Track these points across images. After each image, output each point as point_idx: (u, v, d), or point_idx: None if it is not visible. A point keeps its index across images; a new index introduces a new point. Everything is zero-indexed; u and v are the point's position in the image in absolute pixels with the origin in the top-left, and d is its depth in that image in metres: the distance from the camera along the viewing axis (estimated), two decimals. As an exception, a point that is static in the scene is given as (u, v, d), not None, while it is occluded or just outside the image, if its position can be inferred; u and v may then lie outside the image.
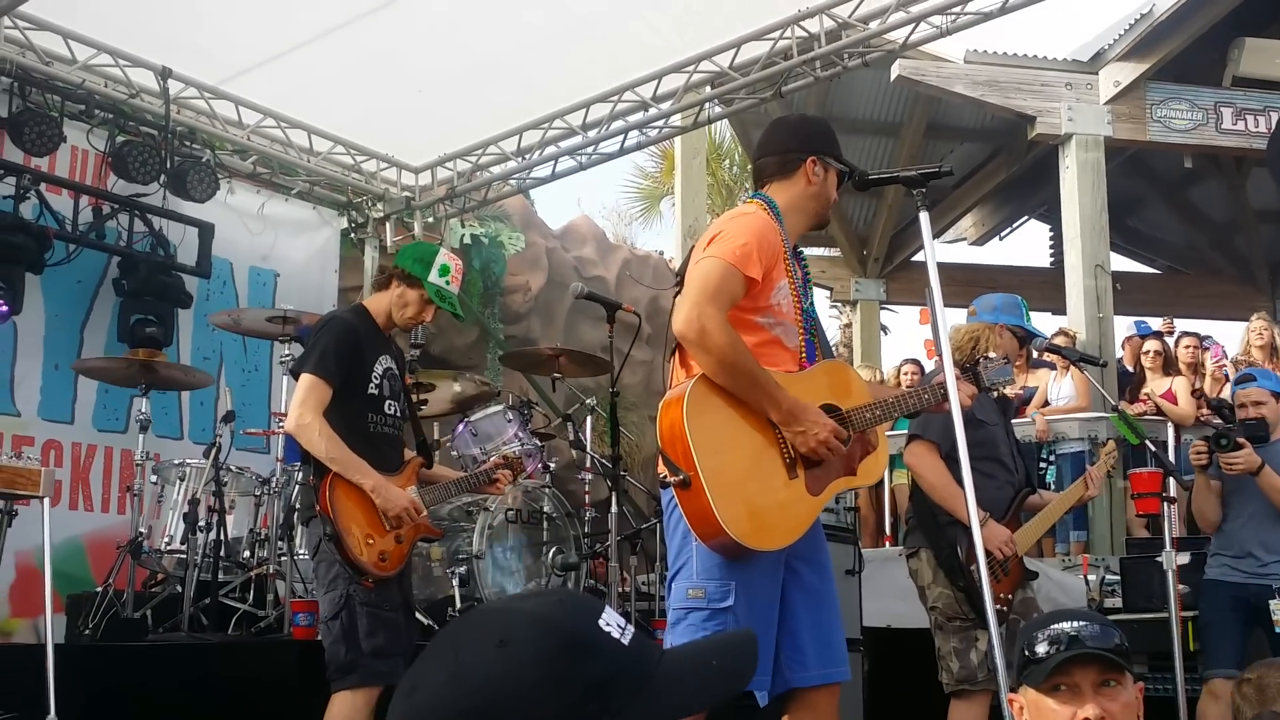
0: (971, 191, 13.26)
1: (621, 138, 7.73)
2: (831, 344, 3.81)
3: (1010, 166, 12.57)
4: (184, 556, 5.43)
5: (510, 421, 6.07)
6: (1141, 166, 13.32)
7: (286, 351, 5.77)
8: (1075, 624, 2.22)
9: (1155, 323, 10.07)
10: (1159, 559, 4.84)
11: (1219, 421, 5.08)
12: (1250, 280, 14.37)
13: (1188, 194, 14.10)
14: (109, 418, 6.97)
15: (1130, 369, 9.23)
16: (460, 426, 6.14)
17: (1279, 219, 14.18)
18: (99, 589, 5.62)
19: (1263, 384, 5.11)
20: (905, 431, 4.65)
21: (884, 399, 3.30)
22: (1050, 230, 14.31)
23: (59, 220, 6.64)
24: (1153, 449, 4.87)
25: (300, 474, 4.33)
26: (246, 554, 5.72)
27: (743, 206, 3.32)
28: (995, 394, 3.72)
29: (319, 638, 4.10)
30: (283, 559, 5.24)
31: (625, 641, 1.09)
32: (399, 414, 4.27)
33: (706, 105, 7.66)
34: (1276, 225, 14.31)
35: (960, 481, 3.17)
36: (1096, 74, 10.05)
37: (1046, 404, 8.44)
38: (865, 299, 13.81)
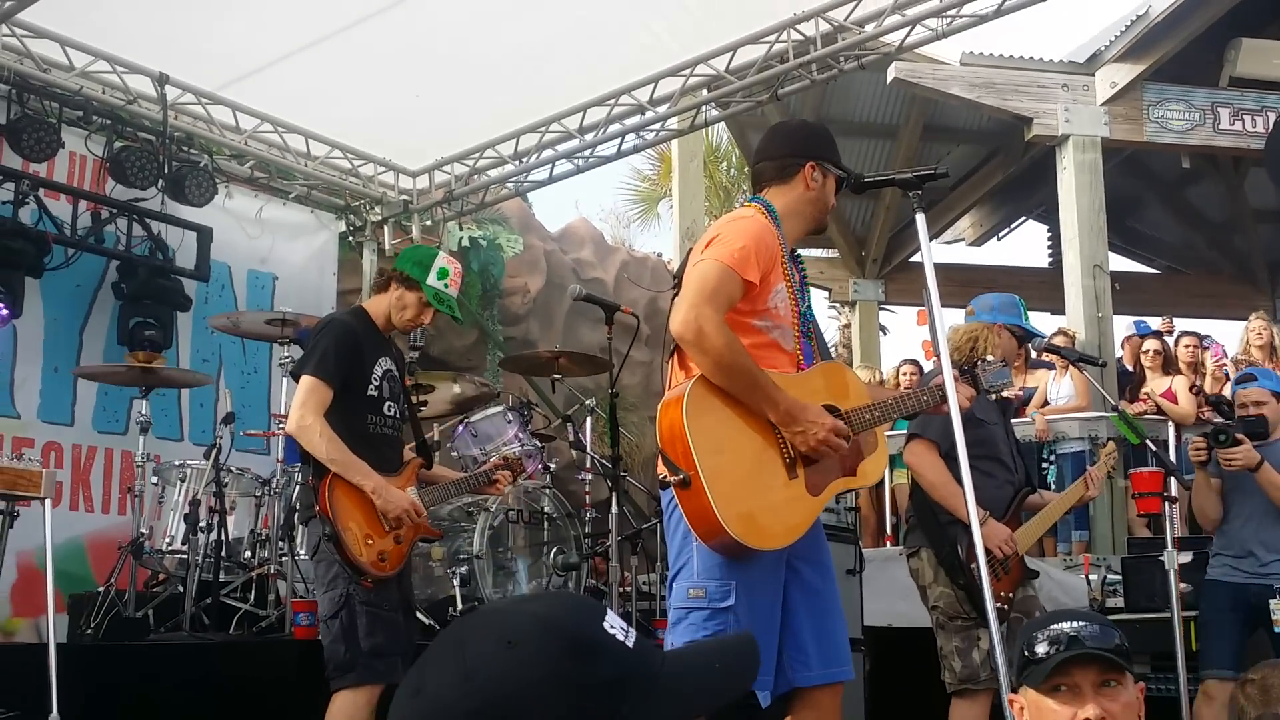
0: (969, 192, 13.27)
1: (619, 141, 7.75)
2: (830, 345, 3.82)
3: (1007, 168, 12.58)
4: (185, 557, 5.45)
5: (510, 422, 6.08)
6: (1139, 167, 13.34)
7: (286, 353, 5.79)
8: (1075, 624, 2.22)
9: (1154, 322, 10.08)
10: (1161, 558, 4.84)
11: (1219, 419, 5.09)
12: (1249, 279, 14.38)
13: (1186, 194, 14.11)
14: (108, 419, 6.98)
15: (1130, 368, 9.23)
16: (460, 427, 6.15)
17: (1277, 218, 14.19)
18: (101, 589, 5.64)
19: (1263, 384, 5.11)
20: (905, 431, 4.65)
21: (883, 400, 3.31)
22: (1048, 231, 14.33)
23: (58, 225, 6.66)
24: (1153, 448, 4.87)
25: (300, 475, 4.33)
26: (247, 554, 5.74)
27: (741, 210, 3.33)
28: (994, 397, 3.72)
29: (319, 637, 4.11)
30: (283, 559, 5.25)
31: (629, 644, 1.09)
32: (398, 415, 4.28)
33: (703, 108, 7.67)
34: (1274, 224, 14.32)
35: (960, 480, 3.17)
36: (1093, 75, 10.06)
37: (1046, 404, 8.44)
38: (864, 300, 13.82)
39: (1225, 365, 8.63)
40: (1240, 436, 4.81)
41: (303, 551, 5.04)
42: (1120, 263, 14.06)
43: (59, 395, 6.79)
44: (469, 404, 6.52)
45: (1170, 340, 9.13)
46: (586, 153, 7.86)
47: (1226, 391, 6.49)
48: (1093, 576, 6.62)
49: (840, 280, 13.97)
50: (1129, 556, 6.70)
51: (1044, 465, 8.21)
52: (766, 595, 3.03)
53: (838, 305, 15.45)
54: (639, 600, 6.22)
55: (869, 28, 6.68)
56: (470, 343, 10.32)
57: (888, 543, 8.36)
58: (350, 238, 8.69)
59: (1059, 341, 7.89)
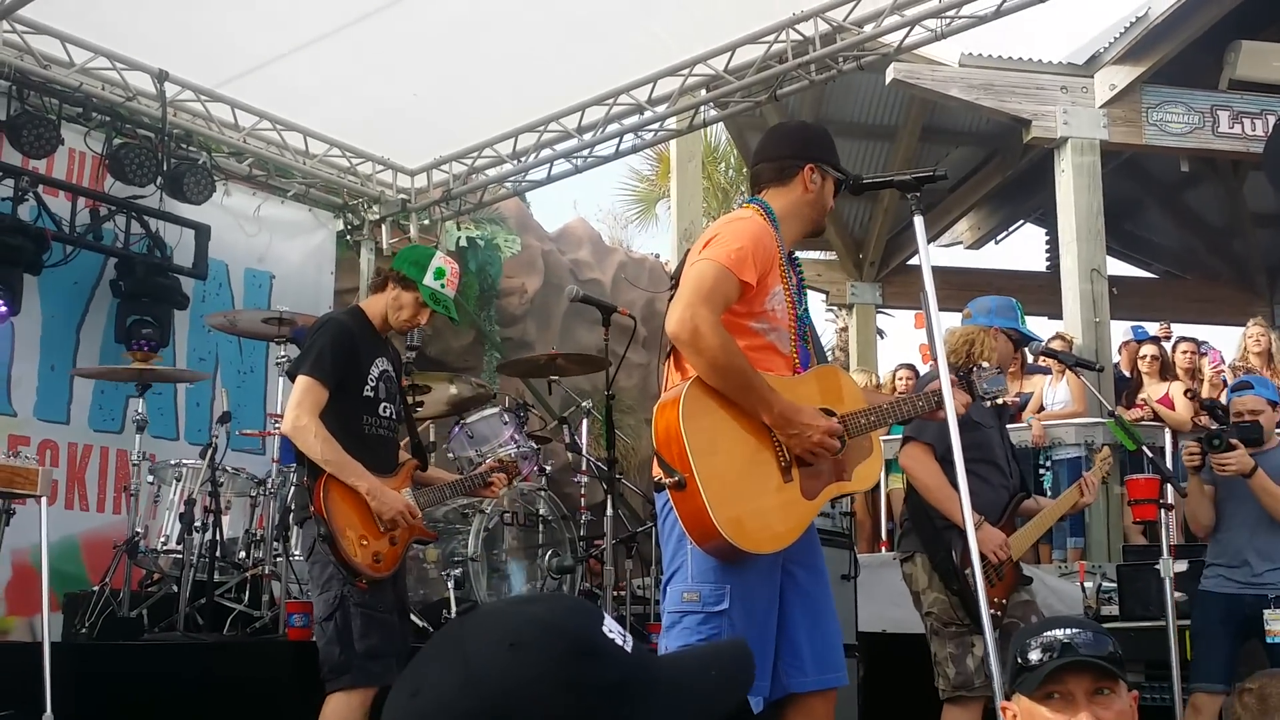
0: (967, 195, 13.28)
1: (617, 141, 7.74)
2: (827, 348, 3.82)
3: (1006, 170, 12.58)
4: (180, 556, 5.44)
5: (506, 424, 6.07)
6: (1138, 170, 13.34)
7: (282, 353, 5.77)
8: (1068, 631, 2.21)
9: (1152, 328, 10.09)
10: (1156, 566, 4.83)
11: (1213, 424, 5.08)
12: (1247, 284, 14.38)
13: (1184, 198, 14.11)
14: (105, 418, 6.98)
15: (1127, 374, 9.23)
16: (456, 429, 6.14)
17: (1276, 223, 14.19)
18: (95, 588, 5.63)
19: (1260, 392, 5.10)
20: (900, 435, 4.65)
21: (878, 404, 3.30)
22: (1046, 234, 14.33)
23: (56, 222, 6.65)
24: (1150, 455, 4.86)
25: (295, 475, 4.33)
26: (242, 554, 5.73)
27: (739, 211, 3.32)
28: (989, 404, 3.72)
29: (314, 638, 4.10)
30: (278, 560, 5.25)
31: (628, 649, 1.08)
32: (394, 416, 4.28)
33: (702, 108, 7.67)
34: (1273, 229, 14.32)
35: (955, 484, 3.17)
36: (1092, 77, 10.06)
37: (1042, 409, 8.44)
38: (861, 303, 13.82)
39: (1223, 371, 8.62)
40: (1234, 442, 4.80)
41: (297, 552, 5.03)
42: (1118, 267, 14.08)
43: (55, 393, 6.78)
44: (465, 405, 6.52)
45: (1168, 346, 9.13)
46: (585, 152, 7.85)
47: (1224, 398, 6.49)
48: (1088, 584, 6.62)
49: (838, 283, 13.97)
50: (1124, 564, 6.69)
51: (1040, 471, 8.20)
52: (762, 599, 3.02)
53: (835, 308, 15.45)
54: (634, 604, 6.21)
55: (868, 28, 6.67)
56: (467, 343, 10.31)
57: (883, 548, 8.35)
58: (348, 236, 8.68)
59: (1056, 346, 7.89)
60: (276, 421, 5.49)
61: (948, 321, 4.65)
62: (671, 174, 12.05)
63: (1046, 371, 8.54)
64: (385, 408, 4.22)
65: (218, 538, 5.43)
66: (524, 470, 5.65)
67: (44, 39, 6.43)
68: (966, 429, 3.37)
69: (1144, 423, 7.94)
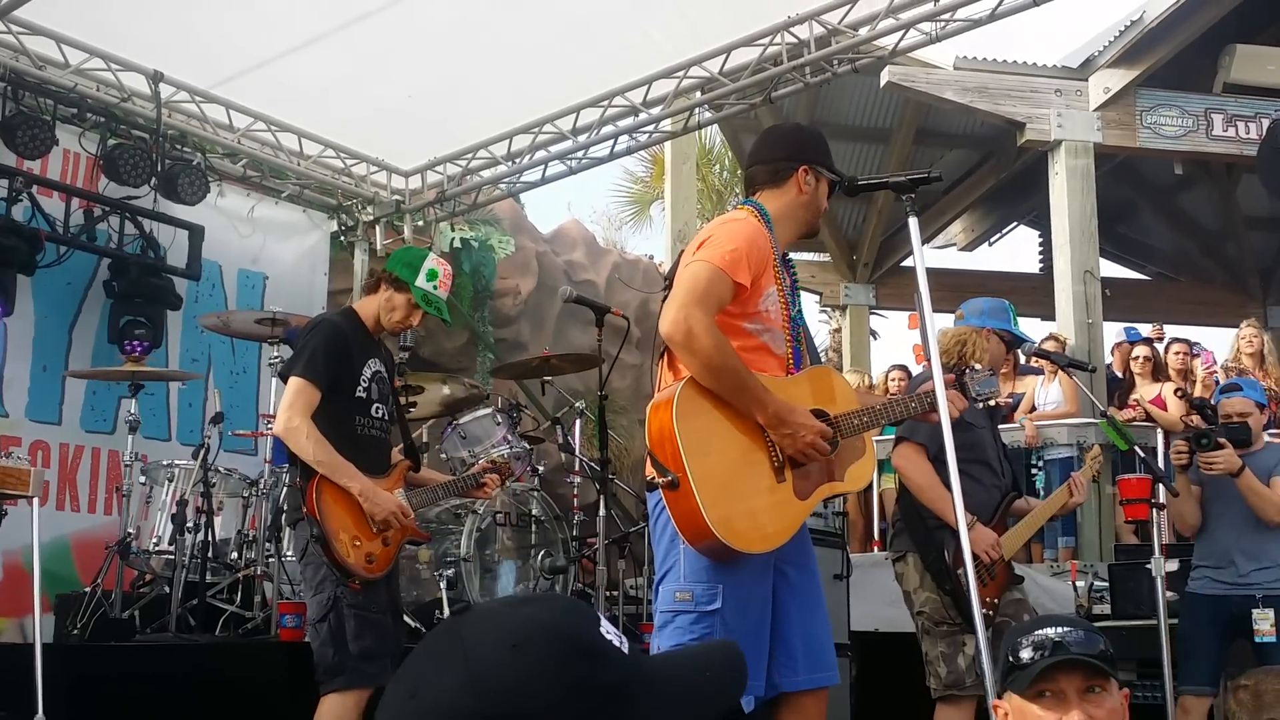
0: (961, 197, 13.28)
1: (611, 142, 7.74)
2: (821, 349, 3.82)
3: (1000, 172, 12.59)
4: (172, 557, 5.44)
5: (499, 424, 6.08)
6: (1131, 173, 13.36)
7: (275, 353, 5.77)
8: (1059, 629, 2.22)
9: (1145, 329, 10.10)
10: (1148, 565, 4.85)
11: (1202, 423, 5.10)
12: (1240, 287, 14.40)
13: (1178, 200, 14.13)
14: (96, 419, 6.96)
15: (1119, 374, 9.25)
16: (449, 429, 6.14)
17: (1269, 226, 14.22)
18: (87, 589, 5.61)
19: (1248, 394, 5.13)
20: (893, 436, 4.66)
21: (871, 405, 3.31)
22: (1040, 236, 14.34)
23: (50, 222, 6.65)
24: (1141, 455, 4.87)
25: (288, 476, 4.33)
26: (234, 555, 5.72)
27: (733, 212, 3.33)
28: (981, 405, 3.73)
29: (306, 639, 4.10)
30: (270, 560, 5.24)
31: (625, 650, 1.09)
32: (387, 417, 4.28)
33: (696, 110, 7.67)
34: (1266, 232, 14.35)
35: (948, 484, 3.18)
36: (1086, 80, 10.07)
37: (1034, 409, 8.45)
38: (855, 304, 13.83)
39: (1215, 373, 8.64)
40: (1222, 441, 4.82)
41: (289, 553, 5.03)
42: (1111, 269, 14.10)
43: (47, 394, 6.76)
44: (458, 406, 6.51)
45: (1160, 347, 9.15)
46: (579, 154, 7.85)
47: (1214, 399, 6.51)
48: (1079, 583, 6.63)
49: (831, 284, 13.97)
50: (1116, 563, 6.71)
51: (1032, 471, 8.22)
52: (755, 599, 3.03)
53: (829, 309, 15.46)
54: (626, 604, 6.22)
55: (863, 31, 6.68)
56: (461, 344, 10.30)
57: (875, 548, 8.36)
58: (342, 237, 8.68)
59: (1049, 347, 7.91)
60: (269, 422, 5.48)
61: (941, 323, 4.66)
62: (666, 175, 12.05)
63: (1039, 372, 8.55)
64: (378, 409, 4.22)
65: (210, 538, 5.42)
66: (516, 471, 5.65)
67: (39, 40, 6.42)
68: (958, 429, 3.37)
69: (1136, 423, 7.95)
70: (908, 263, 12.94)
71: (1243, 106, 10.33)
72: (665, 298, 3.12)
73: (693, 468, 2.87)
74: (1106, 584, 6.49)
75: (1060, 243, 9.89)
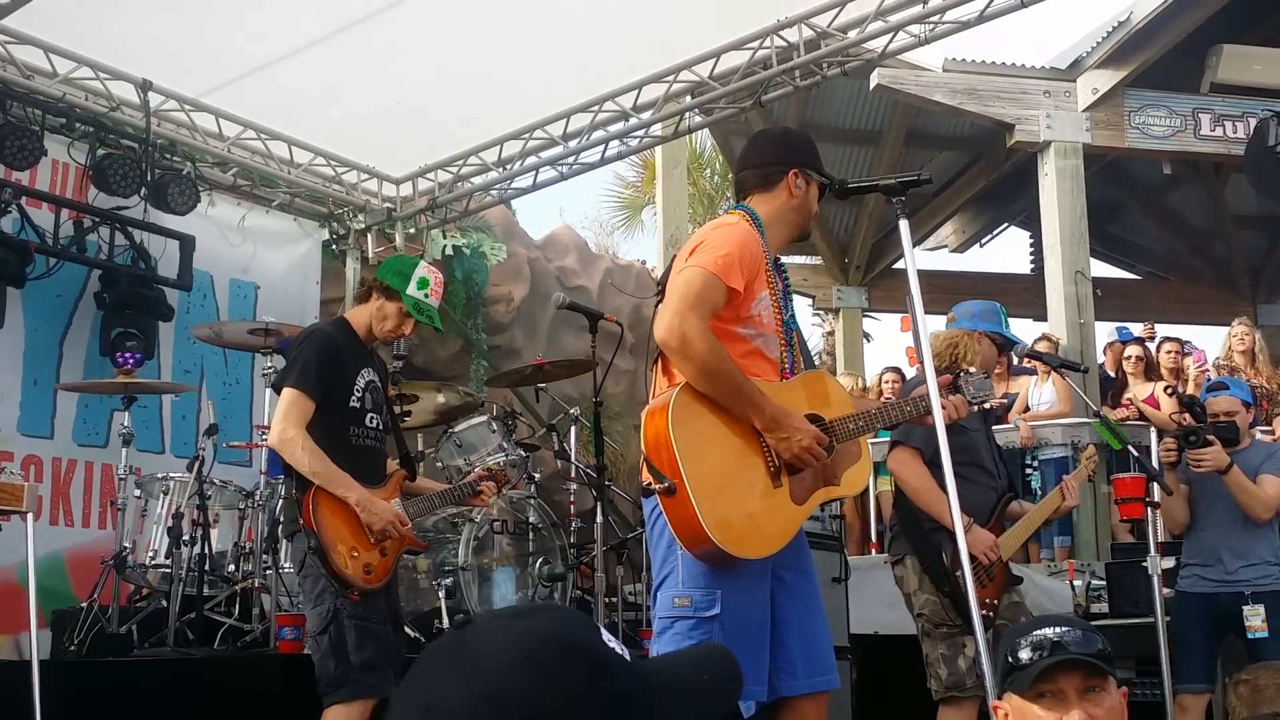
0: (952, 199, 13.32)
1: (602, 147, 7.75)
2: (814, 352, 3.82)
3: (990, 174, 12.63)
4: (168, 571, 5.41)
5: (494, 432, 6.07)
6: (1121, 173, 13.40)
7: (269, 364, 5.76)
8: (1058, 629, 2.22)
9: (1136, 329, 10.14)
10: (1144, 564, 4.86)
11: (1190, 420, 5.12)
12: (1230, 285, 14.46)
13: (1167, 200, 14.18)
14: (89, 432, 6.93)
15: (1112, 374, 9.28)
16: (444, 438, 6.13)
17: (1258, 224, 14.27)
18: (83, 604, 5.59)
19: (1234, 393, 5.16)
20: (888, 439, 4.66)
21: (867, 409, 3.31)
22: (1030, 237, 14.38)
23: (40, 234, 6.62)
24: (1135, 454, 4.89)
25: (283, 487, 4.32)
26: (231, 568, 5.70)
27: (725, 217, 3.33)
28: (976, 409, 3.74)
29: (305, 651, 4.09)
30: (267, 572, 5.22)
31: (627, 658, 1.09)
32: (381, 426, 4.27)
33: (687, 115, 7.68)
34: (1255, 230, 14.41)
35: (944, 487, 3.18)
36: (1074, 81, 10.11)
37: (1027, 409, 8.47)
38: (847, 307, 13.85)
39: (1207, 371, 8.67)
40: (1211, 438, 4.84)
41: (287, 565, 5.02)
42: (1102, 269, 14.13)
43: (38, 408, 6.73)
44: (453, 414, 6.50)
45: (1152, 346, 9.18)
46: (570, 159, 7.85)
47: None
48: (1077, 582, 6.64)
49: (824, 287, 13.99)
50: (1113, 562, 6.72)
51: (1026, 471, 8.23)
52: (753, 604, 3.03)
53: (821, 312, 15.48)
54: (625, 610, 6.21)
55: (852, 34, 6.69)
56: (454, 352, 10.30)
57: (872, 550, 8.36)
58: (334, 246, 8.66)
59: (1042, 347, 7.93)
60: (263, 433, 5.47)
61: (933, 325, 4.66)
62: (657, 180, 12.06)
63: (1033, 373, 8.58)
64: (372, 418, 4.21)
65: (206, 551, 5.40)
66: (513, 479, 5.65)
67: (27, 49, 6.41)
68: (953, 432, 3.38)
69: (1129, 422, 7.97)
70: (899, 265, 12.96)
71: (1230, 106, 10.37)
72: (658, 303, 3.12)
73: (689, 473, 2.87)
74: (1104, 583, 6.50)
75: (1051, 243, 9.92)
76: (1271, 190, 9.85)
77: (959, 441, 4.02)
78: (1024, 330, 11.11)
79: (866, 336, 15.61)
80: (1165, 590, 4.92)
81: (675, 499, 2.88)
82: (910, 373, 8.73)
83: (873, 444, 3.83)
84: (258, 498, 5.62)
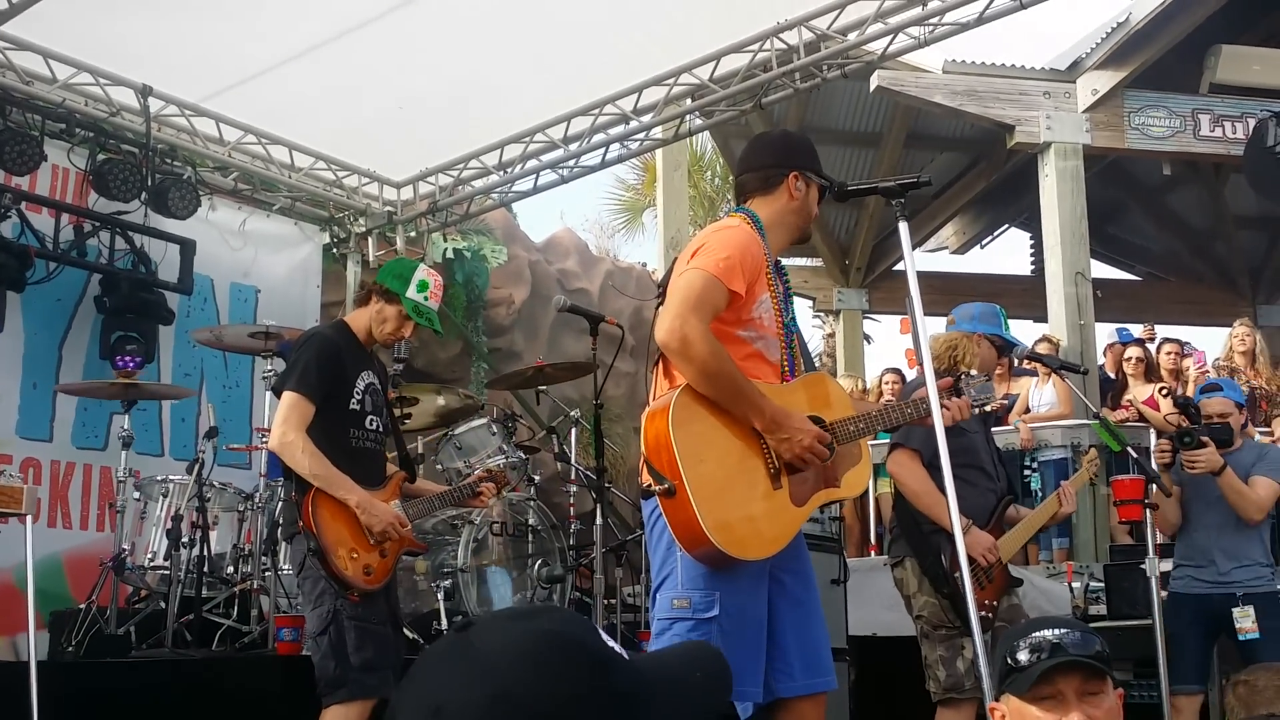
0: (952, 200, 13.32)
1: (603, 150, 7.75)
2: (815, 354, 3.82)
3: (990, 175, 12.64)
4: (167, 572, 5.41)
5: (494, 435, 6.07)
6: (1120, 174, 13.41)
7: (269, 367, 5.76)
8: (1057, 631, 2.22)
9: (1136, 330, 10.14)
10: (1142, 566, 4.86)
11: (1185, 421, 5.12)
12: (1230, 286, 14.46)
13: (1167, 201, 14.19)
14: (88, 435, 6.94)
15: (1112, 375, 9.28)
16: (444, 440, 6.14)
17: (1258, 225, 14.28)
18: (81, 606, 5.59)
19: (1228, 394, 5.17)
20: (888, 441, 4.66)
21: (868, 412, 3.31)
22: (1031, 238, 14.39)
23: (40, 238, 6.63)
24: (1134, 456, 4.89)
25: (283, 490, 4.32)
26: (230, 570, 5.71)
27: (726, 220, 3.34)
28: (977, 411, 3.74)
29: (304, 653, 4.10)
30: (266, 574, 5.23)
31: (626, 657, 1.10)
32: (381, 428, 4.28)
33: (687, 117, 7.68)
34: (1255, 231, 14.41)
35: (943, 489, 3.18)
36: (1074, 82, 10.12)
37: (1028, 410, 8.47)
38: (848, 308, 13.86)
39: (1207, 372, 8.67)
40: (1205, 440, 4.85)
41: (285, 567, 5.02)
42: (1102, 270, 14.14)
43: (38, 411, 6.74)
44: (453, 416, 6.51)
45: (1152, 348, 9.18)
46: (571, 163, 7.86)
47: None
48: (1075, 584, 6.64)
49: (824, 289, 14.00)
50: (1111, 564, 6.72)
51: (1025, 473, 8.23)
52: (751, 605, 3.03)
53: (822, 314, 15.48)
54: (624, 612, 6.21)
55: (851, 36, 6.70)
56: (455, 354, 10.30)
57: (872, 552, 8.37)
58: (334, 250, 8.67)
59: (1042, 349, 7.94)
60: (263, 436, 5.48)
61: (934, 327, 4.66)
62: (657, 183, 12.07)
63: (1034, 374, 8.58)
64: (371, 420, 4.22)
65: (205, 553, 5.41)
66: (512, 480, 5.65)
67: (26, 55, 6.41)
68: (952, 434, 3.38)
69: (1129, 424, 7.98)
70: (899, 266, 12.94)
71: (1229, 107, 10.38)
72: (659, 305, 3.12)
73: (689, 475, 2.87)
74: (1102, 584, 6.50)
75: (1051, 244, 9.92)
76: (1270, 191, 9.85)
77: (958, 443, 4.03)
78: (1024, 332, 11.14)
79: (867, 338, 15.62)
80: (1163, 592, 4.92)
81: (675, 500, 2.88)
82: (910, 374, 8.74)
83: (872, 446, 3.83)
84: (257, 500, 5.63)
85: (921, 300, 3.24)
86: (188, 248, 7.27)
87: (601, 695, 1.04)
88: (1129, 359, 8.87)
